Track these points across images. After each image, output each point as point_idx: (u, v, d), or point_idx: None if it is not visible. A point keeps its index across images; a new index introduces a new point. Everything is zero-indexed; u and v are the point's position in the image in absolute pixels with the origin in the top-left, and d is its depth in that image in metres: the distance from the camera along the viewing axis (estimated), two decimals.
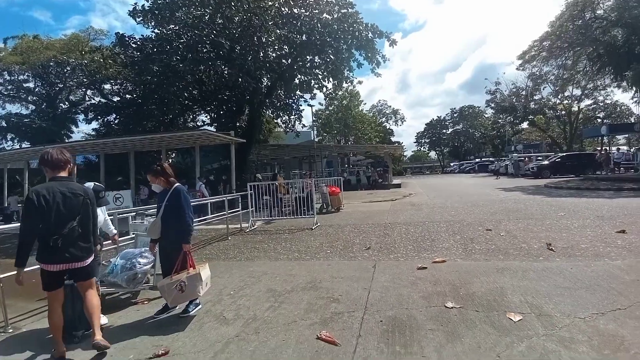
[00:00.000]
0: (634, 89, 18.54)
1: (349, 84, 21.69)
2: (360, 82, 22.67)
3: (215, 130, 17.66)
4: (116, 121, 21.00)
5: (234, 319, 3.21)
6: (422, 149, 78.78)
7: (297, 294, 3.77)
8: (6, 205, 17.97)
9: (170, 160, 25.18)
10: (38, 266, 2.70)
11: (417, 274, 4.25)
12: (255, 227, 9.05)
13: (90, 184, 3.67)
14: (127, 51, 16.39)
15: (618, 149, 28.72)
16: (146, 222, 4.87)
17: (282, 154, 30.21)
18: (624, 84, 20.41)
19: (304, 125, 23.44)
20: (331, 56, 17.69)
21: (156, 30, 15.81)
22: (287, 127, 21.74)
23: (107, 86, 23.97)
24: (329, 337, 2.67)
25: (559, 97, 35.38)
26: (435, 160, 79.02)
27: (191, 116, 22.55)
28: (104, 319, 3.41)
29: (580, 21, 18.63)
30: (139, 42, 16.19)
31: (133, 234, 4.84)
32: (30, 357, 2.82)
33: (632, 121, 30.95)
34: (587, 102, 37.19)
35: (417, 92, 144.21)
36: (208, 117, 21.33)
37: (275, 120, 22.96)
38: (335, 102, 45.10)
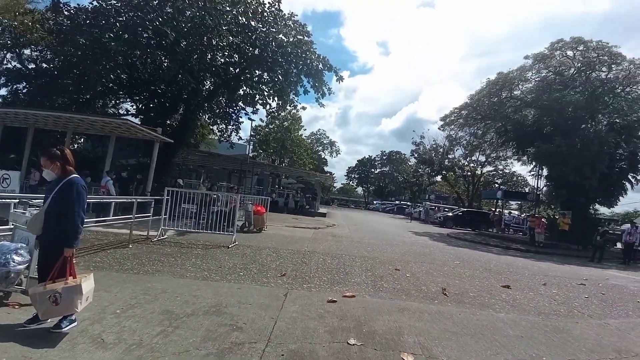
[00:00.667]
0: (533, 163, 22.16)
1: (293, 107, 22.08)
2: (304, 108, 22.97)
3: (140, 122, 16.10)
4: (25, 90, 17.90)
5: (114, 343, 2.77)
6: (351, 183, 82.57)
7: (196, 319, 3.46)
8: None
9: (75, 146, 22.04)
10: None
11: (326, 307, 4.28)
12: (165, 237, 8.29)
13: None
14: (58, 18, 14.46)
15: (510, 213, 33.95)
16: (28, 214, 4.08)
17: (211, 162, 28.80)
18: (524, 158, 24.34)
19: (240, 138, 22.82)
20: (280, 76, 17.88)
21: (95, 2, 14.25)
22: (223, 136, 20.92)
23: (27, 51, 20.55)
24: None
25: (467, 160, 40.99)
26: (361, 196, 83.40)
27: (113, 101, 20.32)
28: None
29: (496, 99, 21.87)
30: (72, 11, 14.42)
31: (12, 224, 4.00)
32: None
33: (526, 191, 36.99)
34: (489, 168, 43.77)
35: (355, 130, 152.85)
36: (134, 106, 19.40)
37: (211, 127, 21.98)
38: (277, 121, 45.33)
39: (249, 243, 8.69)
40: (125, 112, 19.83)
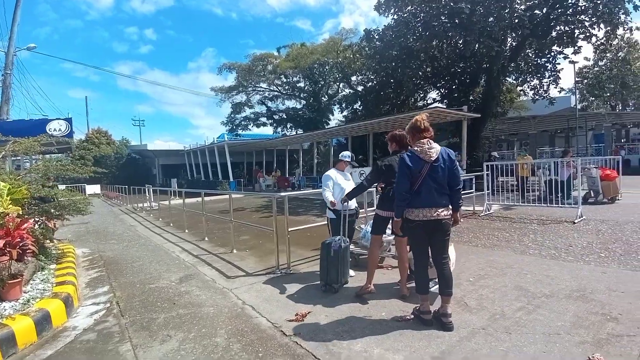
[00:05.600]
0: None
1: (626, 31, 15.37)
2: (638, 29, 14.72)
3: (445, 106, 17.03)
4: (360, 107, 24.32)
5: (477, 308, 3.05)
6: None
7: (558, 302, 3.11)
8: (290, 177, 25.39)
9: None
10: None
11: None
12: (491, 211, 8.17)
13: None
14: (371, 44, 18.16)
15: None
16: None
17: (525, 127, 25.41)
18: None
19: (562, 89, 18.23)
20: None
21: (395, 17, 16.56)
22: (537, 93, 17.76)
23: (354, 78, 27.82)
24: None
25: None
26: None
27: (421, 95, 22.71)
28: (352, 272, 4.13)
29: None
30: (380, 33, 17.53)
31: None
32: (304, 289, 3.90)
33: None
34: None
35: None
36: (438, 93, 20.75)
37: (520, 88, 19.28)
38: (608, 54, 32.39)
39: (602, 217, 6.78)
40: (432, 101, 21.69)
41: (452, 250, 3.38)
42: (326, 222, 4.36)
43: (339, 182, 4.03)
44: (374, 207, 5.73)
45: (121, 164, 36.03)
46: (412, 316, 2.91)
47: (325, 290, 3.72)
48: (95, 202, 7.42)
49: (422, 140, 2.84)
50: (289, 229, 4.58)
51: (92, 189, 28.22)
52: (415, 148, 2.85)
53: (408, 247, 3.49)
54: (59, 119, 10.33)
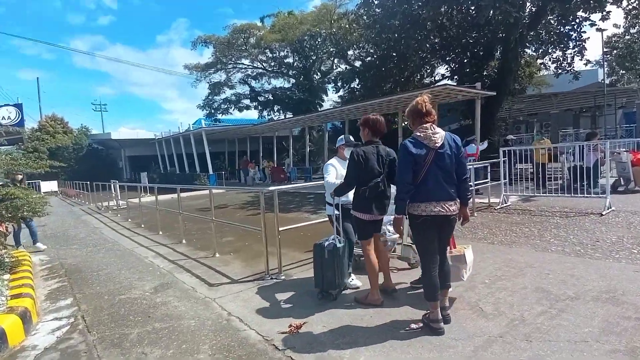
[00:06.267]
0: None
1: None
2: None
3: (456, 83, 17.01)
4: (359, 86, 24.10)
5: (493, 314, 3.10)
6: None
7: (585, 304, 3.18)
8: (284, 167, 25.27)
9: (404, 123, 26.76)
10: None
11: None
12: (509, 203, 8.28)
13: None
14: (370, 11, 17.80)
15: None
16: (393, 190, 5.43)
17: (546, 106, 25.55)
18: None
19: (587, 62, 18.18)
20: None
21: None
22: (560, 66, 17.77)
23: (350, 52, 27.51)
24: None
25: None
26: None
27: (428, 70, 22.64)
28: (354, 277, 4.14)
29: None
30: None
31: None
32: (298, 296, 3.93)
33: None
34: None
35: None
36: (447, 68, 20.71)
37: (541, 61, 19.29)
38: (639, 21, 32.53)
39: (633, 208, 6.91)
40: (440, 78, 21.65)
41: (469, 253, 3.41)
42: (325, 220, 4.39)
43: (341, 172, 4.04)
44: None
45: (81, 156, 35.62)
46: (421, 325, 2.95)
47: (321, 297, 3.74)
48: (52, 201, 7.35)
49: (425, 125, 2.85)
50: (280, 229, 4.59)
51: (48, 186, 27.94)
52: (418, 133, 2.85)
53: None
54: (8, 105, 10.12)
